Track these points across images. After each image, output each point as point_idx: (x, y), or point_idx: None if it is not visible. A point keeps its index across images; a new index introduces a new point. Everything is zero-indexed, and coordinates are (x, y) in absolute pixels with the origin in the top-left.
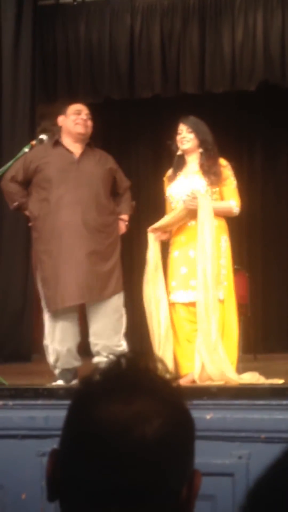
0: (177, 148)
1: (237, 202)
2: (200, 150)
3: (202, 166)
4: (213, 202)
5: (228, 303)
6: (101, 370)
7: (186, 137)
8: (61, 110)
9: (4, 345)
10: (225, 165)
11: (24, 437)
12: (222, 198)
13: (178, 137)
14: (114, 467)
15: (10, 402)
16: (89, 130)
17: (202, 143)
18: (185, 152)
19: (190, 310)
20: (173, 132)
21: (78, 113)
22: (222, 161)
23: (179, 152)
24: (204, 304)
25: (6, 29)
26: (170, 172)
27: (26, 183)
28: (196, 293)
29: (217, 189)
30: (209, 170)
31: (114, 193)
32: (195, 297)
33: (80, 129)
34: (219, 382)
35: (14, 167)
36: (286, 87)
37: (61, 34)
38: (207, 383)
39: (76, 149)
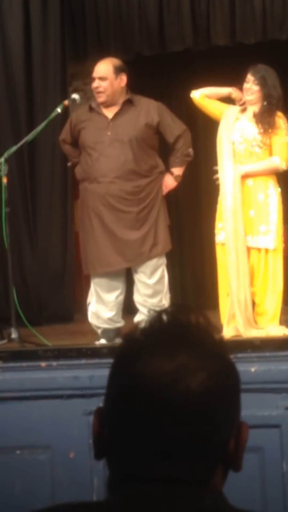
0: (241, 95)
1: (284, 157)
2: (264, 103)
3: (256, 114)
4: (253, 164)
5: (275, 254)
6: (143, 326)
7: (251, 89)
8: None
9: (46, 306)
10: (280, 116)
11: (70, 396)
12: (270, 150)
13: (245, 86)
14: (159, 421)
15: (54, 363)
16: (108, 94)
17: (267, 97)
18: (248, 102)
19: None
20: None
21: (93, 79)
22: (279, 113)
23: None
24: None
25: None
26: (232, 108)
27: (77, 144)
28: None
29: (268, 140)
30: (263, 119)
31: (165, 144)
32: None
33: (98, 98)
34: (262, 334)
35: (65, 129)
36: None
37: None
38: (252, 335)
39: (109, 111)
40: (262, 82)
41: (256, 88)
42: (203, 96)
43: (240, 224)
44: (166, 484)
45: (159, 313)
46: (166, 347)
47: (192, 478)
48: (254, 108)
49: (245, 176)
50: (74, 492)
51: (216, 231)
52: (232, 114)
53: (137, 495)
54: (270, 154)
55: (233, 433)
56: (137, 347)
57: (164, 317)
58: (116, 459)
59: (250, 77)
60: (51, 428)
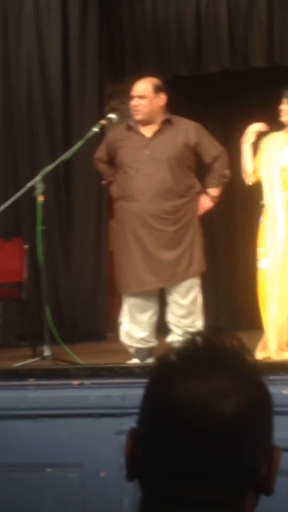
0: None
1: None
2: None
3: None
4: None
5: None
6: (177, 348)
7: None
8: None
9: (79, 324)
10: None
11: (101, 415)
12: None
13: (282, 107)
14: (192, 444)
15: (87, 381)
16: (147, 112)
17: None
18: (285, 123)
19: None
20: (243, 107)
21: (132, 97)
22: None
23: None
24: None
25: (73, 7)
26: (267, 139)
27: (113, 163)
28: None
29: None
30: None
31: (203, 165)
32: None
33: (136, 116)
34: None
35: (100, 148)
36: None
37: (127, 10)
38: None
39: (147, 130)
40: None
41: None
42: (254, 173)
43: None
44: (198, 507)
45: (193, 335)
46: (200, 370)
47: (224, 502)
48: None
49: None
50: (103, 511)
51: (259, 256)
52: (278, 138)
53: None
54: None
55: (265, 457)
56: (171, 369)
57: (199, 339)
58: (148, 481)
59: (285, 98)
60: (82, 446)
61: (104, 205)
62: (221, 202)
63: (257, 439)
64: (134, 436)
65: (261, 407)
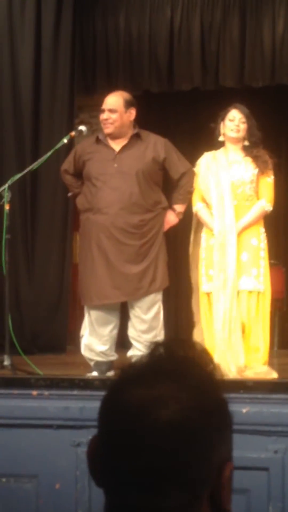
0: (220, 134)
1: (270, 198)
2: (246, 143)
3: (252, 153)
4: (247, 217)
5: (266, 297)
6: (137, 358)
7: (239, 126)
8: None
9: (40, 336)
10: (269, 157)
11: (59, 427)
12: (256, 190)
13: (230, 124)
14: (136, 453)
15: (46, 392)
16: (117, 126)
17: (251, 136)
18: (232, 141)
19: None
20: (214, 120)
21: (103, 111)
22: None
23: (221, 138)
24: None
25: (47, 19)
26: (208, 157)
27: (80, 175)
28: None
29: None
30: (259, 158)
31: (170, 181)
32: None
33: (106, 130)
34: (255, 376)
35: (68, 159)
36: None
37: (101, 25)
38: (245, 376)
39: (116, 144)
40: (249, 120)
41: (243, 126)
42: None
43: (235, 270)
44: None
45: (154, 346)
46: (149, 378)
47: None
48: (236, 148)
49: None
50: None
51: (206, 278)
52: (221, 156)
53: None
54: (257, 196)
55: (214, 470)
56: (125, 379)
57: (157, 349)
58: (106, 489)
59: (236, 114)
60: (39, 458)
61: (69, 217)
62: (184, 218)
63: (199, 450)
64: (93, 444)
65: (206, 418)
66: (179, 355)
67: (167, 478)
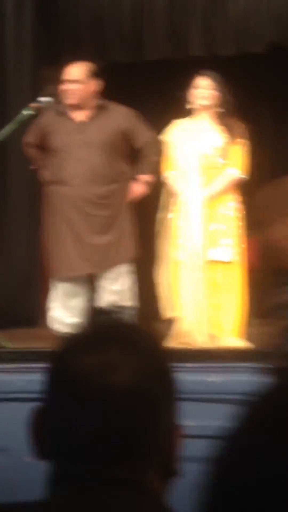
0: (189, 102)
1: (241, 166)
2: (219, 109)
3: (222, 122)
4: (216, 184)
5: (237, 267)
6: (81, 326)
7: (207, 93)
8: None
9: (10, 310)
10: (241, 125)
11: (27, 400)
12: (228, 159)
13: (197, 92)
14: (88, 419)
15: (13, 365)
16: (79, 97)
17: (223, 102)
18: (201, 108)
19: None
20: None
21: (65, 81)
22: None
23: (189, 107)
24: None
25: None
26: (176, 126)
27: (43, 147)
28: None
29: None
30: (230, 126)
31: (135, 151)
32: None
33: (68, 100)
34: (223, 345)
35: (29, 132)
36: None
37: None
38: (213, 345)
39: (79, 115)
40: (218, 86)
41: (212, 93)
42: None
43: (203, 240)
44: (99, 484)
45: (96, 314)
46: (97, 345)
47: (124, 478)
48: (206, 116)
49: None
50: (29, 496)
51: (175, 248)
52: (189, 125)
53: (70, 496)
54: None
55: (165, 435)
56: (72, 345)
57: (103, 317)
58: (53, 459)
59: (204, 82)
60: (7, 431)
61: (38, 190)
62: (156, 188)
63: (151, 415)
64: (37, 416)
65: (157, 384)
66: (124, 323)
67: (119, 443)
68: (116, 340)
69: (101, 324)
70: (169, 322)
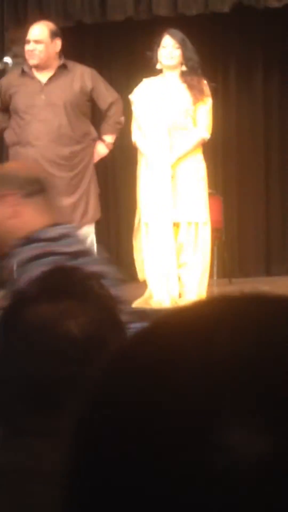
0: (157, 62)
1: (207, 125)
2: (184, 68)
3: (187, 81)
4: (183, 147)
5: (204, 227)
6: (31, 280)
7: (172, 53)
8: None
9: None
10: (205, 83)
11: None
12: (194, 117)
13: (163, 51)
14: (42, 363)
15: None
16: (42, 57)
17: (188, 60)
18: (168, 68)
19: None
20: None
21: (28, 42)
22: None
23: (158, 66)
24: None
25: None
26: (144, 85)
27: (6, 109)
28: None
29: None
30: (194, 86)
31: (98, 111)
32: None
33: (31, 61)
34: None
35: None
36: (260, 8)
37: None
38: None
39: (43, 75)
40: (184, 45)
41: (178, 52)
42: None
43: (170, 200)
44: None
45: (53, 269)
46: (50, 296)
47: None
48: (174, 75)
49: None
50: None
51: (143, 208)
52: (156, 85)
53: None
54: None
55: None
56: (21, 301)
57: (53, 272)
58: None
59: (169, 41)
60: None
61: (1, 151)
62: (123, 149)
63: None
64: None
65: (110, 333)
66: (71, 276)
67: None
68: (65, 292)
69: (52, 277)
70: (144, 283)
